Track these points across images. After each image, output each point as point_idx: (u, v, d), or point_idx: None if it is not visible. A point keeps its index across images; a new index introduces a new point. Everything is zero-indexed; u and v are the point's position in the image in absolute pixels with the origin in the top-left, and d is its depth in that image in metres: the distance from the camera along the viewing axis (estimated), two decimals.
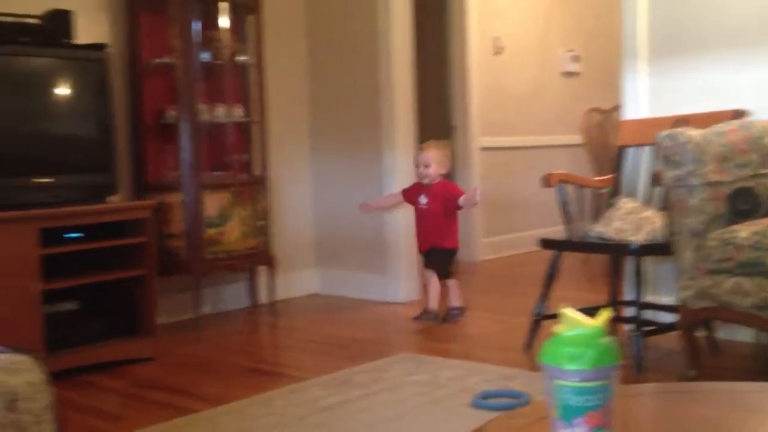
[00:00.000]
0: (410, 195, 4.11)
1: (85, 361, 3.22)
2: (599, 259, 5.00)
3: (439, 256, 4.03)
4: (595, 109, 5.31)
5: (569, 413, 0.99)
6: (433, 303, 4.02)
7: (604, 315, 1.04)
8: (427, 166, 4.05)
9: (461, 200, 3.90)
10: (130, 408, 2.79)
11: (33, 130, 3.29)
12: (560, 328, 1.02)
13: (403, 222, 4.44)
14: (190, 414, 2.65)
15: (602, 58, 6.41)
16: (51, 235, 3.15)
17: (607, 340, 1.02)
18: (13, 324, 2.98)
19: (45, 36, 3.36)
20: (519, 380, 2.82)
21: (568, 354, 0.99)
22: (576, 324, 1.02)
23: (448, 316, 3.99)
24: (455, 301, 4.04)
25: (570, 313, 1.02)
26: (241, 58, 4.26)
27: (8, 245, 3.00)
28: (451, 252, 4.06)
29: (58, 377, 1.58)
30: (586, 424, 0.98)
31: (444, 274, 4.05)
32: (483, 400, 2.59)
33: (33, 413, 1.40)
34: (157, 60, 4.02)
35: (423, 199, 3.98)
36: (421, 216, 4.03)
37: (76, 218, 3.26)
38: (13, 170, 3.20)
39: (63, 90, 3.43)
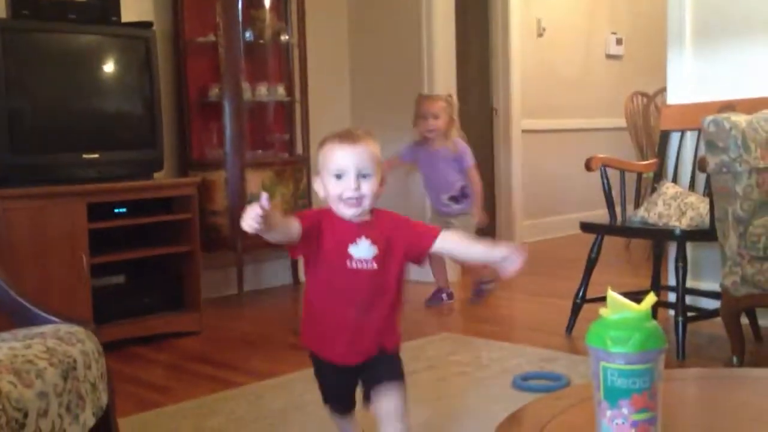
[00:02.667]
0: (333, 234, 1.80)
1: (131, 334, 3.30)
2: (641, 244, 4.97)
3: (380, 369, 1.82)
4: (639, 93, 5.24)
5: (615, 395, 1.00)
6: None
7: (650, 299, 1.05)
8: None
9: (497, 259, 1.87)
10: (177, 380, 2.86)
11: (82, 107, 3.35)
12: (606, 312, 1.03)
13: None
14: (235, 387, 2.70)
15: (646, 40, 6.31)
16: (98, 210, 3.22)
17: (652, 323, 1.03)
18: (64, 296, 3.06)
19: (93, 13, 3.41)
20: (559, 363, 2.83)
21: (614, 337, 1.00)
22: (622, 307, 1.03)
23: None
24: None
25: (616, 296, 1.03)
26: (283, 37, 4.29)
27: (59, 219, 3.08)
28: (397, 360, 1.87)
29: (105, 349, 1.62)
30: (631, 406, 0.99)
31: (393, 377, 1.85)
32: (523, 382, 2.61)
33: (89, 381, 1.45)
34: (201, 38, 4.06)
35: (361, 249, 1.73)
36: (347, 286, 1.75)
37: (123, 194, 3.32)
38: (64, 146, 3.27)
39: (110, 67, 3.49)
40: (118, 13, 3.48)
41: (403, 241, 1.75)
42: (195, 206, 3.51)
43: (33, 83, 3.22)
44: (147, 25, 3.55)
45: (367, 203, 1.70)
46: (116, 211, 3.35)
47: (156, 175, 3.57)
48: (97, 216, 3.20)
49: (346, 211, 1.69)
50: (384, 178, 1.74)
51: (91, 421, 1.44)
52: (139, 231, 3.44)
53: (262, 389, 2.67)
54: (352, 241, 1.71)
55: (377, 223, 1.75)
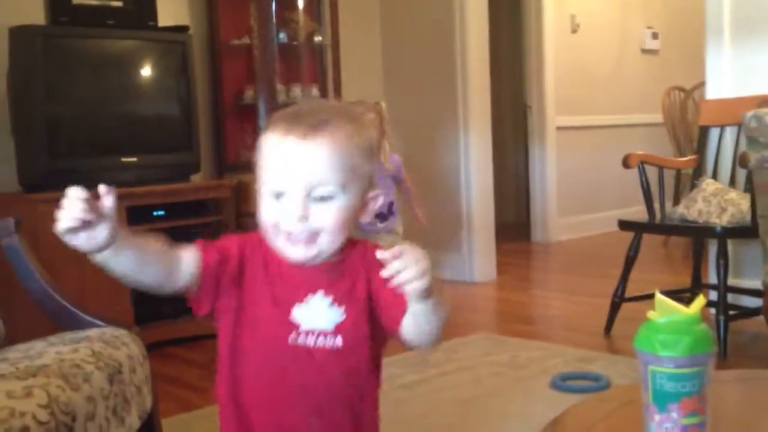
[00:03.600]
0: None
1: (168, 336, 3.33)
2: (679, 241, 4.91)
3: None
4: (676, 88, 5.18)
5: (664, 399, 0.99)
6: None
7: (699, 302, 1.03)
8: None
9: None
10: (212, 381, 2.87)
11: (119, 111, 3.39)
12: (655, 315, 1.01)
13: (479, 198, 4.42)
14: None
15: (683, 34, 6.23)
16: (137, 213, 3.26)
17: (702, 326, 1.01)
18: (104, 299, 3.09)
19: (130, 19, 3.45)
20: (598, 363, 2.80)
21: (663, 340, 0.99)
22: (671, 310, 1.01)
23: None
24: None
25: (665, 299, 1.02)
26: (317, 38, 4.30)
27: None
28: None
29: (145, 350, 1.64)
30: (681, 410, 0.98)
31: None
32: (562, 382, 2.59)
33: (134, 385, 1.47)
34: (236, 41, 4.09)
35: (314, 314, 1.07)
36: (291, 377, 1.07)
37: (161, 197, 3.35)
38: (102, 150, 3.31)
39: (147, 71, 3.52)
40: (154, 18, 3.51)
41: (381, 294, 1.06)
42: (230, 208, 3.54)
43: (71, 88, 3.26)
44: (183, 29, 3.59)
45: (325, 243, 1.03)
46: (154, 213, 3.39)
47: (192, 177, 3.61)
48: (135, 219, 3.23)
49: (291, 253, 1.04)
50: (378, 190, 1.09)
51: (136, 424, 1.46)
52: (176, 233, 3.47)
53: None
54: (300, 298, 1.06)
55: (346, 266, 1.08)
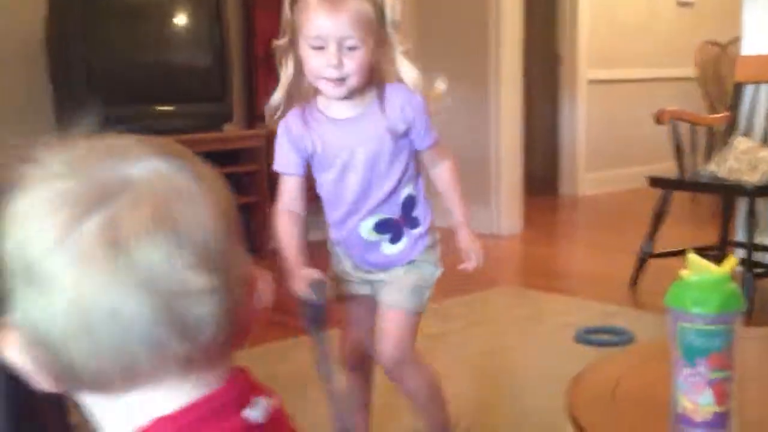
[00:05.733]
0: None
1: None
2: (707, 198, 4.89)
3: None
4: (711, 42, 5.10)
5: (692, 354, 1.03)
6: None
7: (731, 261, 1.07)
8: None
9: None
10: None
11: (154, 60, 3.43)
12: (687, 273, 1.05)
13: (508, 150, 4.43)
14: (302, 335, 2.78)
15: None
16: None
17: (732, 285, 1.05)
18: None
19: None
20: (622, 317, 2.84)
21: (694, 298, 1.02)
22: (702, 269, 1.04)
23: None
24: None
25: (697, 258, 1.05)
26: None
27: None
28: None
29: None
30: (708, 364, 1.02)
31: None
32: (587, 336, 2.63)
33: None
34: None
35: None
36: None
37: (195, 146, 3.38)
38: (138, 98, 3.36)
39: (182, 20, 3.55)
40: None
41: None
42: (263, 158, 3.58)
43: (108, 36, 3.30)
44: None
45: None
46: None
47: (225, 127, 3.65)
48: None
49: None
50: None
51: None
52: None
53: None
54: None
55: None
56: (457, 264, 1.72)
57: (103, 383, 0.55)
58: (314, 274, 1.55)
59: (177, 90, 3.48)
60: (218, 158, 3.75)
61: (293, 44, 1.48)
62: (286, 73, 1.52)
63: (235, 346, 0.60)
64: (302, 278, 1.54)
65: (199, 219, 0.55)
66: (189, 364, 0.56)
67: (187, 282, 0.53)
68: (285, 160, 1.56)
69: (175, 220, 0.53)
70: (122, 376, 0.54)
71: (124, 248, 0.51)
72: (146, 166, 0.56)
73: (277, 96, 1.53)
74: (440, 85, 1.65)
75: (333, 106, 1.53)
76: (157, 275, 0.52)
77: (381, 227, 1.61)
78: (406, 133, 1.57)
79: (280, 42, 1.51)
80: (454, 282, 3.43)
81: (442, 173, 1.73)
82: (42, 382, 0.57)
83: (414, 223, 1.65)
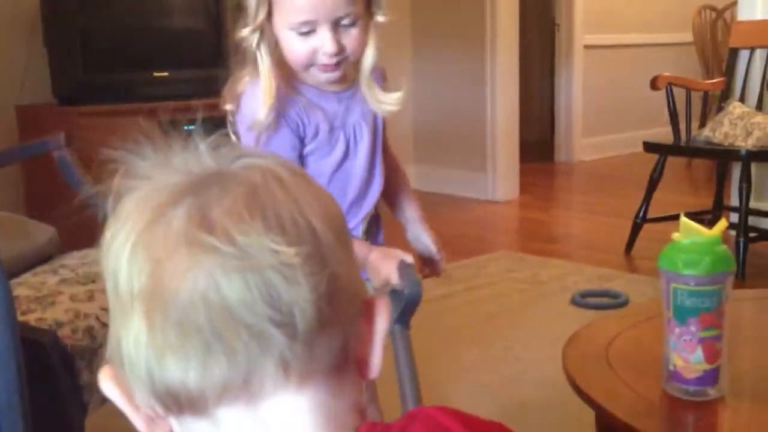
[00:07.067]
0: None
1: None
2: (702, 163, 4.92)
3: None
4: (708, 7, 5.10)
5: (684, 313, 1.06)
6: None
7: (721, 224, 1.10)
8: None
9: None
10: None
11: (150, 25, 3.42)
12: (679, 236, 1.08)
13: (504, 116, 4.44)
14: None
15: None
16: (168, 128, 3.32)
17: (722, 248, 1.08)
18: None
19: None
20: (618, 281, 2.88)
21: (685, 260, 1.06)
22: (694, 232, 1.07)
23: None
24: None
25: (688, 222, 1.08)
26: None
27: (132, 136, 3.19)
28: None
29: None
30: (699, 323, 1.06)
31: None
32: (582, 299, 2.68)
33: None
34: None
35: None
36: None
37: (192, 112, 3.41)
38: (134, 64, 3.35)
39: None
40: None
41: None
42: None
43: (103, 3, 3.29)
44: None
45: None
46: (185, 128, 3.45)
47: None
48: (167, 133, 3.31)
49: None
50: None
51: None
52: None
53: None
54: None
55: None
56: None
57: (203, 403, 0.48)
58: (403, 255, 1.21)
59: (173, 55, 3.47)
60: (216, 124, 3.76)
61: (263, 31, 1.18)
62: (263, 68, 1.18)
63: (358, 374, 0.54)
64: (391, 260, 1.19)
65: (300, 208, 0.50)
66: (302, 378, 0.49)
67: (280, 255, 0.47)
68: (280, 148, 1.20)
69: (272, 205, 0.49)
70: (226, 385, 0.48)
71: (213, 227, 0.47)
72: (247, 163, 0.52)
73: (264, 108, 1.17)
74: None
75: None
76: (249, 255, 0.47)
77: (370, 224, 1.36)
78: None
79: (245, 33, 1.17)
80: (453, 247, 3.48)
81: (396, 162, 1.42)
82: (138, 422, 0.52)
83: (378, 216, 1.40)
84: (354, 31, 1.19)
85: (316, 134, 1.23)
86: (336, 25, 1.17)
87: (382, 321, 0.54)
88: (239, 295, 0.47)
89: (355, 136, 1.27)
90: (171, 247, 0.48)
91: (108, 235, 0.51)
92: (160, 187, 0.50)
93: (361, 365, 0.53)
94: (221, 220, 0.48)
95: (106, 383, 0.52)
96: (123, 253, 0.49)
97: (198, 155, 0.53)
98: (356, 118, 1.27)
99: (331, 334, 0.50)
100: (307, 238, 0.49)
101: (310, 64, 1.20)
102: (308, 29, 1.16)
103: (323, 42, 1.17)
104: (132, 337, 0.48)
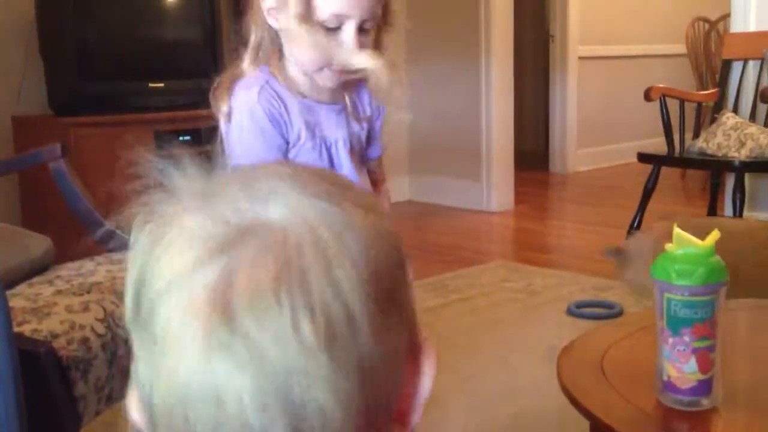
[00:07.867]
0: None
1: None
2: (697, 174, 4.94)
3: None
4: (701, 19, 5.13)
5: (677, 324, 1.07)
6: None
7: (714, 235, 1.10)
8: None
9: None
10: None
11: (146, 36, 3.43)
12: (672, 246, 1.08)
13: (499, 127, 4.45)
14: None
15: None
16: (164, 138, 3.33)
17: (716, 258, 1.08)
18: None
19: None
20: (612, 291, 2.89)
21: (678, 270, 1.06)
22: (687, 242, 1.08)
23: None
24: None
25: (682, 232, 1.09)
26: None
27: (127, 147, 3.19)
28: None
29: None
30: (693, 334, 1.06)
31: None
32: (577, 309, 2.68)
33: None
34: None
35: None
36: None
37: (187, 122, 3.42)
38: (130, 75, 3.36)
39: None
40: None
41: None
42: None
43: (100, 12, 3.30)
44: None
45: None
46: (180, 139, 3.46)
47: None
48: (161, 144, 3.31)
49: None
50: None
51: None
52: (201, 158, 3.55)
53: None
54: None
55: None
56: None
57: None
58: None
59: (169, 66, 3.48)
60: (210, 135, 3.75)
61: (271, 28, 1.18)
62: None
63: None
64: None
65: (335, 283, 0.42)
66: None
67: (301, 363, 0.41)
68: (264, 152, 1.17)
69: (303, 282, 0.42)
70: None
71: (233, 314, 0.41)
72: (287, 205, 0.44)
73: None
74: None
75: (309, 83, 1.21)
76: (267, 349, 0.41)
77: None
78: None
79: (289, 19, 1.12)
80: (448, 257, 3.49)
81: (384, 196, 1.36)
82: None
83: None
84: (369, 39, 1.16)
85: (298, 140, 1.20)
86: (360, 27, 1.13)
87: (429, 379, 0.49)
88: (251, 397, 0.41)
89: (337, 151, 1.22)
90: (191, 318, 0.42)
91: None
92: (196, 236, 0.44)
93: (400, 418, 0.47)
94: (240, 303, 0.41)
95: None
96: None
97: (231, 195, 0.46)
98: (342, 133, 1.23)
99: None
100: (340, 328, 0.42)
101: (326, 64, 1.15)
102: (337, 24, 1.12)
103: (347, 40, 1.12)
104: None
